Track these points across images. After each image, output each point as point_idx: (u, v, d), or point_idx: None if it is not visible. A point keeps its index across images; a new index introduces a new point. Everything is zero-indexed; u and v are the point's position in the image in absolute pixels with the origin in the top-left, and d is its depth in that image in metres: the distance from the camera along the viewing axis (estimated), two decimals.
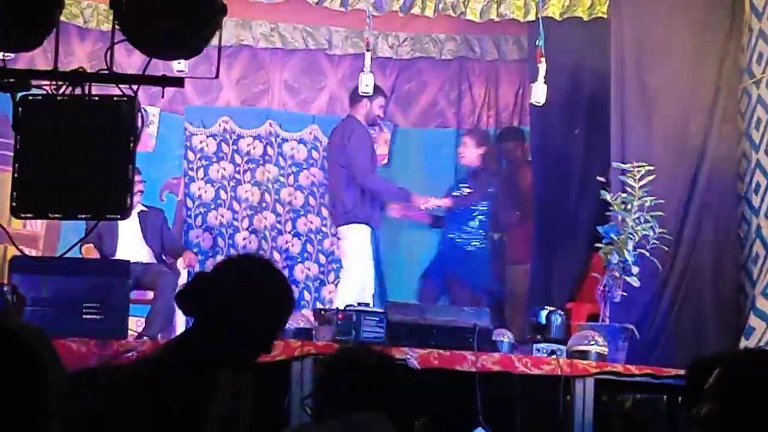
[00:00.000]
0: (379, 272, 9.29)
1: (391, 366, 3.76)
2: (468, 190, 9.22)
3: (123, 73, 3.59)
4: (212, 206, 9.77)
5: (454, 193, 9.30)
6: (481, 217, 9.10)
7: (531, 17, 8.37)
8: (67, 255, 7.85)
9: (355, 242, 8.67)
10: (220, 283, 3.24)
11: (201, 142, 9.79)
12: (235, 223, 9.77)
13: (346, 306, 6.59)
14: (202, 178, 9.77)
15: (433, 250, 9.39)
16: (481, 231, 9.10)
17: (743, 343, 7.21)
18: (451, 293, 9.16)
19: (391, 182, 9.17)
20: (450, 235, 9.14)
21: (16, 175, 3.50)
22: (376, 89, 8.63)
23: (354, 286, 8.48)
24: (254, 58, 9.97)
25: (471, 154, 9.25)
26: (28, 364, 1.83)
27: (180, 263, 8.40)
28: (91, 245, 7.83)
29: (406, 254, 9.67)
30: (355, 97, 8.83)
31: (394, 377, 3.68)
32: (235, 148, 9.86)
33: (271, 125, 9.89)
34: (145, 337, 7.18)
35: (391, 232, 9.47)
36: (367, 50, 8.01)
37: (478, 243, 9.08)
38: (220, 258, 9.57)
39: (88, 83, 3.53)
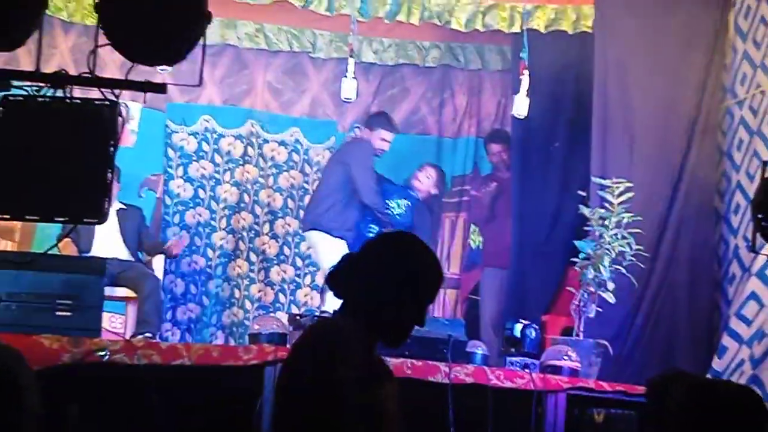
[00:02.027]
0: None
1: None
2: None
3: (105, 78, 3.57)
4: (191, 205, 9.74)
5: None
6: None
7: (516, 29, 8.40)
8: (42, 250, 7.99)
9: (336, 253, 8.63)
10: (368, 262, 3.34)
11: (182, 140, 9.76)
12: (213, 222, 9.75)
13: (322, 312, 6.57)
14: (181, 176, 9.74)
15: None
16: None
17: (715, 363, 7.24)
18: None
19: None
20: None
21: None
22: (385, 122, 8.73)
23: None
24: (238, 58, 9.95)
25: (428, 184, 9.24)
26: (4, 387, 1.82)
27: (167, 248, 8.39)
28: (68, 240, 7.80)
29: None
30: (366, 123, 9.00)
31: None
32: (216, 147, 9.83)
33: (252, 126, 9.87)
34: (119, 338, 7.17)
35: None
36: (351, 56, 8.00)
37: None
38: (196, 257, 9.58)
39: (69, 85, 3.51)
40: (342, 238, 8.64)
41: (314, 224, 8.75)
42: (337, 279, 3.42)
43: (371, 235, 8.79)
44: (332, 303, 8.18)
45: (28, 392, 1.83)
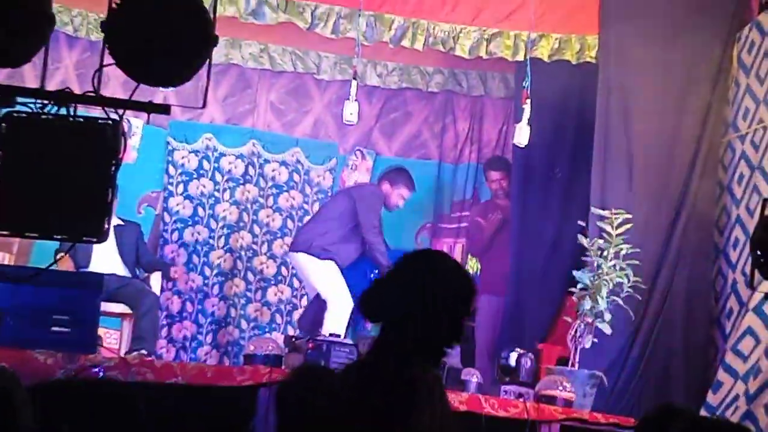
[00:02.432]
0: None
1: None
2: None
3: (110, 97, 3.57)
4: (189, 222, 9.73)
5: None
6: None
7: (519, 57, 8.40)
8: (39, 263, 7.98)
9: (329, 273, 8.61)
10: (402, 281, 3.36)
11: (183, 158, 9.76)
12: (211, 241, 9.74)
13: (317, 335, 6.57)
14: (181, 194, 9.73)
15: None
16: None
17: (710, 397, 7.22)
18: None
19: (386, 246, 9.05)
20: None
21: None
22: (405, 179, 8.75)
23: (343, 316, 8.44)
24: (242, 77, 9.97)
25: (397, 198, 9.17)
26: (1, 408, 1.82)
27: (156, 277, 8.40)
28: (63, 252, 7.80)
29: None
30: (384, 175, 9.07)
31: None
32: (217, 165, 9.83)
33: (254, 145, 9.87)
34: (114, 355, 7.15)
35: None
36: (354, 79, 8.01)
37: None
38: (193, 275, 9.56)
39: (73, 104, 3.51)
40: (331, 259, 8.61)
41: (304, 248, 8.66)
42: (370, 303, 3.42)
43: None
44: (332, 324, 8.18)
45: (23, 412, 1.83)
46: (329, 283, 8.56)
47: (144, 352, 7.45)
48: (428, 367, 3.28)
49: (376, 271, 8.66)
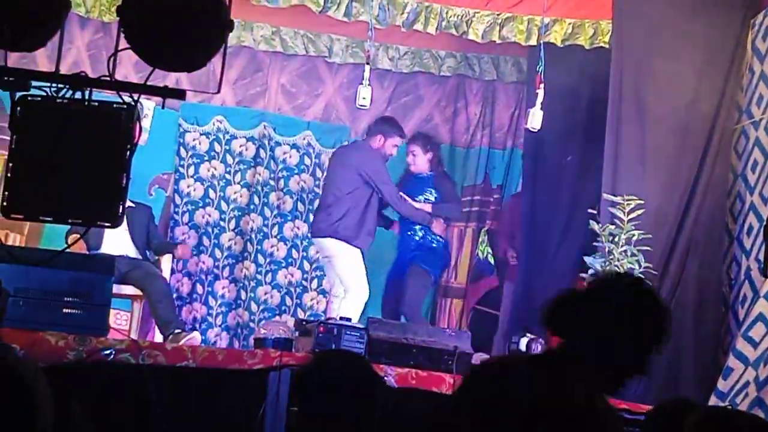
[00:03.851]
0: None
1: (374, 381, 3.68)
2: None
3: (124, 81, 3.57)
4: (200, 204, 9.74)
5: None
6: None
7: (532, 42, 8.39)
8: (51, 244, 8.00)
9: (355, 263, 8.57)
10: (601, 305, 3.24)
11: (194, 140, 9.76)
12: (222, 223, 9.75)
13: (328, 319, 6.58)
14: (192, 176, 9.74)
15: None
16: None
17: (720, 384, 7.21)
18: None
19: (416, 210, 9.04)
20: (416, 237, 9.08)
21: (9, 175, 3.48)
22: (396, 128, 8.70)
23: (359, 305, 8.44)
24: (253, 60, 9.96)
25: (421, 161, 9.17)
26: (18, 402, 1.81)
27: (167, 258, 8.43)
28: (77, 235, 7.80)
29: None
30: (372, 129, 8.88)
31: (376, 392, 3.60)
32: (228, 148, 9.83)
33: (265, 128, 9.87)
34: (125, 337, 7.18)
35: None
36: (367, 63, 8.00)
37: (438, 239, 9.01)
38: (204, 257, 9.57)
39: (88, 88, 3.51)
40: (359, 247, 8.58)
41: (329, 233, 8.56)
42: (561, 316, 3.31)
43: (416, 236, 8.89)
44: (339, 309, 8.19)
45: (43, 408, 1.83)
46: (353, 272, 8.51)
47: (178, 331, 7.50)
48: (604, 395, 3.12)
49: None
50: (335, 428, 3.38)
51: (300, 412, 3.49)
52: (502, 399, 2.20)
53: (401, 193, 8.78)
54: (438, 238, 8.89)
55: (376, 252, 8.89)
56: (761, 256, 5.45)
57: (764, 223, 5.17)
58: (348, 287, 8.50)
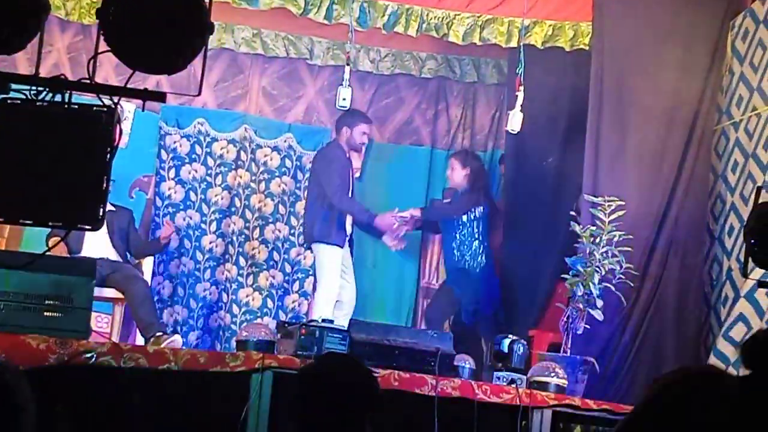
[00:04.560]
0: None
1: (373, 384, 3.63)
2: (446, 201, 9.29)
3: (105, 84, 3.56)
4: (181, 207, 9.71)
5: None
6: (480, 237, 9.02)
7: (513, 44, 8.41)
8: (31, 247, 7.97)
9: (328, 260, 8.74)
10: None
11: (175, 142, 9.74)
12: (203, 225, 9.72)
13: (310, 321, 6.57)
14: (173, 178, 9.72)
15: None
16: (481, 252, 9.03)
17: None
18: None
19: (359, 204, 9.13)
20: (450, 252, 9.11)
21: None
22: (359, 116, 8.72)
23: (326, 301, 8.58)
24: (234, 63, 9.94)
25: (458, 176, 9.22)
26: (3, 405, 1.81)
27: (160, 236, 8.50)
28: (57, 238, 7.79)
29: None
30: (339, 123, 8.97)
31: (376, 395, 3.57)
32: (209, 150, 9.81)
33: (246, 130, 9.85)
34: (106, 340, 7.17)
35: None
36: (347, 65, 8.01)
37: (483, 263, 9.02)
38: (185, 260, 9.55)
39: (68, 90, 3.50)
40: (337, 245, 8.76)
41: (310, 238, 9.02)
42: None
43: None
44: (320, 311, 8.21)
45: (25, 411, 1.83)
46: (323, 269, 8.72)
47: (159, 333, 7.50)
48: None
49: None
50: (325, 424, 3.36)
51: (298, 416, 3.44)
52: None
53: (346, 195, 8.92)
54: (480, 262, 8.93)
55: None
56: (742, 257, 5.47)
57: (745, 223, 5.18)
58: (318, 284, 8.81)
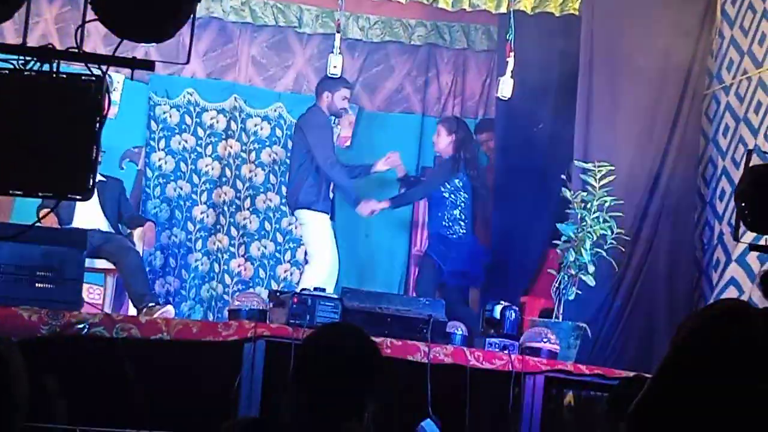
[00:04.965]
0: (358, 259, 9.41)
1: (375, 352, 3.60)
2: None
3: (93, 53, 3.53)
4: (172, 178, 9.69)
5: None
6: (462, 205, 9.00)
7: (503, 9, 8.37)
8: (21, 219, 7.95)
9: (319, 229, 8.70)
10: None
11: (164, 113, 9.71)
12: (194, 196, 9.70)
13: (302, 290, 6.58)
14: (163, 149, 9.69)
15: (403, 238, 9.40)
16: (461, 217, 9.00)
17: None
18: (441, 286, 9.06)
19: (349, 180, 9.04)
20: (436, 223, 9.07)
21: None
22: (340, 80, 8.62)
23: (321, 272, 8.53)
24: (223, 32, 9.90)
25: (443, 142, 9.16)
26: None
27: (138, 236, 8.37)
28: (48, 209, 7.77)
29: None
30: (319, 88, 8.85)
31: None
32: (198, 120, 9.78)
33: (236, 100, 9.82)
34: (98, 311, 7.17)
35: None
36: (337, 32, 7.99)
37: (462, 231, 8.99)
38: (176, 230, 9.54)
39: (56, 60, 3.48)
40: (324, 211, 8.73)
41: (294, 203, 8.85)
42: None
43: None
44: (315, 280, 8.20)
45: (18, 382, 1.82)
46: (315, 239, 8.69)
47: (152, 304, 7.48)
48: None
49: None
50: (336, 399, 3.34)
51: (301, 383, 3.40)
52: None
53: (337, 163, 8.84)
54: (458, 230, 8.91)
55: None
56: (734, 221, 5.47)
57: (736, 187, 5.17)
58: (310, 256, 8.76)
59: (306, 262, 9.18)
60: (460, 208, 8.90)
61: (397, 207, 9.25)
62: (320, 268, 8.58)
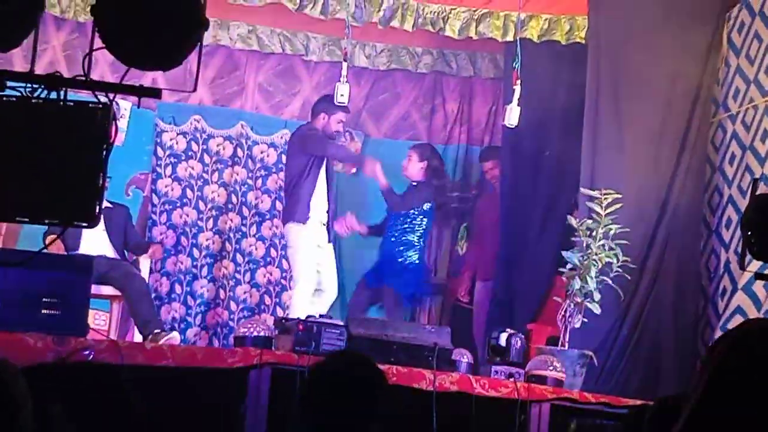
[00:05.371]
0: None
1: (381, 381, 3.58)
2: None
3: (100, 81, 3.55)
4: (178, 204, 9.71)
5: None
6: (419, 231, 9.02)
7: (509, 38, 8.41)
8: (28, 245, 7.96)
9: (296, 241, 8.73)
10: None
11: (171, 140, 9.74)
12: (200, 222, 9.72)
13: (308, 317, 6.57)
14: (169, 176, 9.71)
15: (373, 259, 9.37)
16: (418, 244, 9.03)
17: None
18: (384, 304, 9.06)
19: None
20: (389, 246, 9.07)
21: None
22: (339, 107, 8.67)
23: (303, 295, 8.55)
24: (230, 59, 9.94)
25: (414, 168, 9.19)
26: (1, 403, 1.80)
27: (145, 257, 8.38)
28: (54, 236, 7.77)
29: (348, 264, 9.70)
30: (316, 109, 8.88)
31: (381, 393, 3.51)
32: (205, 147, 9.81)
33: (242, 127, 9.85)
34: (104, 337, 7.16)
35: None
36: (345, 60, 8.01)
37: (415, 256, 9.02)
38: (182, 257, 9.55)
39: (64, 88, 3.49)
40: (300, 222, 8.73)
41: (288, 218, 8.78)
42: None
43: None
44: (299, 307, 8.23)
45: (23, 411, 1.82)
46: (300, 256, 8.67)
47: (157, 331, 7.48)
48: None
49: None
50: (342, 425, 3.33)
51: (306, 410, 3.40)
52: None
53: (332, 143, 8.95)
54: (410, 256, 8.93)
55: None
56: (740, 249, 5.47)
57: (742, 215, 5.18)
58: (296, 279, 8.77)
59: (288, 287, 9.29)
60: (418, 234, 8.94)
61: (370, 235, 9.28)
62: (304, 292, 8.59)
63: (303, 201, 8.67)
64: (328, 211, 8.85)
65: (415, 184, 9.16)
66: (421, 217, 8.99)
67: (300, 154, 8.73)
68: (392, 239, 8.99)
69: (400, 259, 8.90)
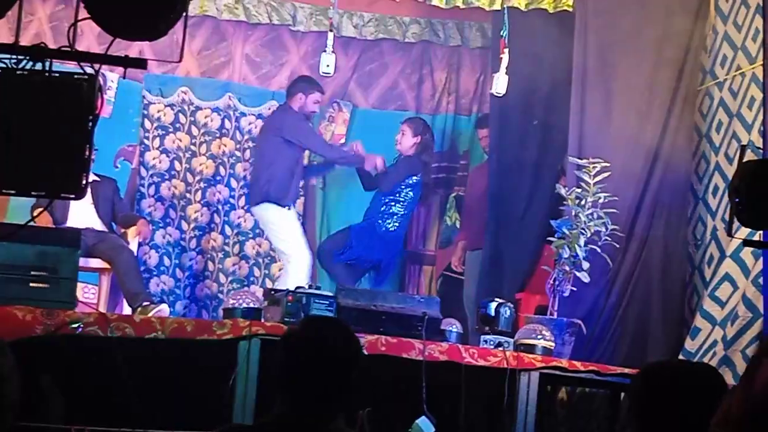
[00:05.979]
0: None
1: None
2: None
3: (86, 52, 3.53)
4: (166, 177, 9.69)
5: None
6: (403, 201, 9.05)
7: (496, 6, 8.36)
8: (16, 219, 7.94)
9: (292, 226, 8.79)
10: None
11: (158, 111, 9.70)
12: (188, 195, 9.70)
13: (297, 287, 6.57)
14: (157, 148, 9.69)
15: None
16: (401, 212, 9.06)
17: (688, 343, 7.28)
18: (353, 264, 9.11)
19: (346, 152, 9.35)
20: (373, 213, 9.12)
21: None
22: (315, 84, 8.70)
23: (303, 268, 8.59)
24: (217, 30, 9.89)
25: (407, 142, 9.20)
26: None
27: (132, 233, 8.35)
28: (41, 209, 7.76)
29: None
30: (292, 89, 8.93)
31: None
32: (193, 119, 9.77)
33: (230, 98, 9.81)
34: (93, 310, 7.16)
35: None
36: (331, 30, 7.98)
37: (395, 225, 9.05)
38: (171, 229, 9.54)
39: (49, 59, 3.48)
40: (289, 207, 8.85)
41: (262, 197, 8.83)
42: None
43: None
44: (287, 277, 8.25)
45: (9, 383, 1.81)
46: (289, 236, 8.72)
47: (146, 303, 7.47)
48: None
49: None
50: (314, 389, 3.30)
51: (280, 372, 3.37)
52: None
53: (329, 143, 9.24)
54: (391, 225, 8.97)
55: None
56: (727, 216, 5.48)
57: (730, 182, 5.18)
58: (289, 255, 8.78)
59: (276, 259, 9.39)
60: (402, 203, 8.96)
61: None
62: (302, 266, 8.64)
63: (293, 188, 8.89)
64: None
65: (404, 157, 9.16)
66: (408, 189, 9.00)
67: (275, 136, 8.85)
68: (381, 208, 9.00)
69: (379, 225, 8.94)
